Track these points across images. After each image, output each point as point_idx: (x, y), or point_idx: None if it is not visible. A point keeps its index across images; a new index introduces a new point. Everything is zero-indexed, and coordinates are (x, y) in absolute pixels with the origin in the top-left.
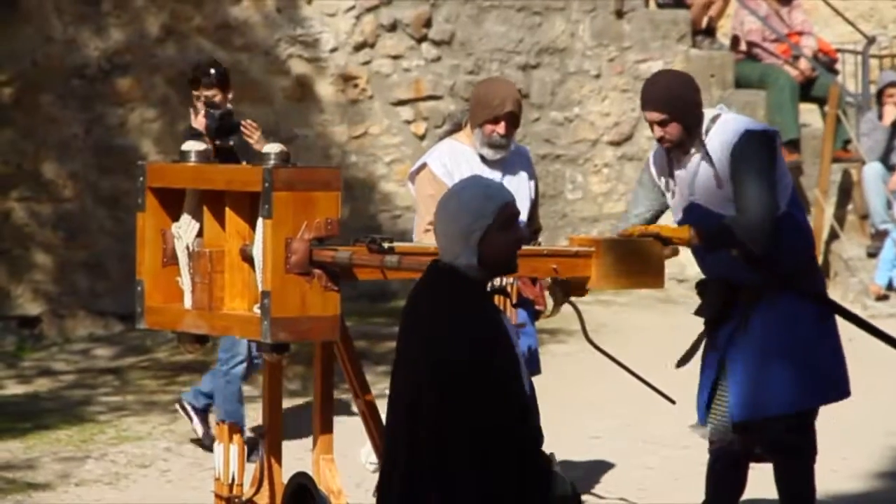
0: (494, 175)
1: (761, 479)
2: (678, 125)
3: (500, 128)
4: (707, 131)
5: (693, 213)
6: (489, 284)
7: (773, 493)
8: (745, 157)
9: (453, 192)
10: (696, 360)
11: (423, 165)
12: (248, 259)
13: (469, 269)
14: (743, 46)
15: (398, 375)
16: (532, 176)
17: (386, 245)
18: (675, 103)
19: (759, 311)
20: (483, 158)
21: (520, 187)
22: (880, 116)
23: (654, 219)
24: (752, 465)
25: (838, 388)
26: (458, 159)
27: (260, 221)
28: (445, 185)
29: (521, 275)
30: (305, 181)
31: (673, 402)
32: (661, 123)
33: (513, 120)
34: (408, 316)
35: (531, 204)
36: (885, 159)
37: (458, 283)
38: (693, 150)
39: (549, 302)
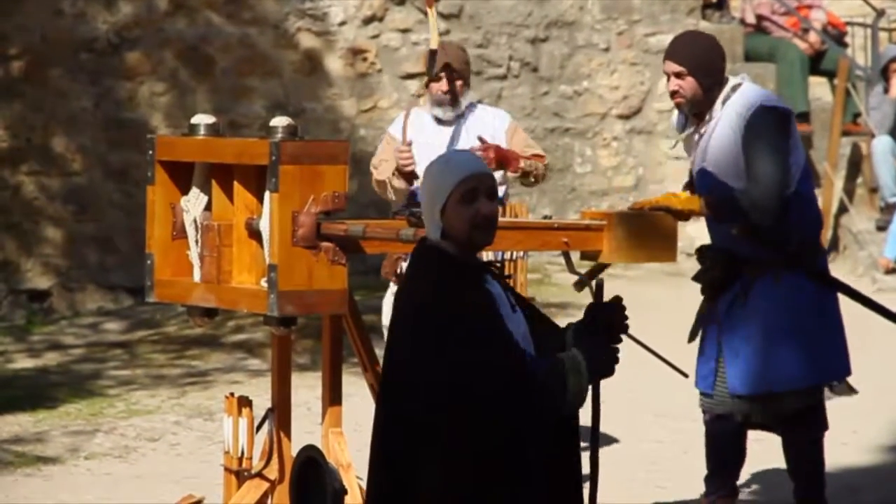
0: (443, 133)
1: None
2: (694, 81)
3: (442, 84)
4: (726, 100)
5: (703, 180)
6: (477, 258)
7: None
8: (758, 131)
9: (426, 166)
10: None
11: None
12: (253, 232)
13: (441, 244)
14: (751, 19)
15: (389, 351)
16: (501, 127)
17: None
18: (694, 58)
19: (762, 285)
20: (437, 119)
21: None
22: (887, 90)
23: None
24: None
25: (839, 368)
26: (412, 119)
27: (267, 195)
28: (394, 138)
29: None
30: (312, 155)
31: (686, 375)
32: (678, 75)
33: (452, 73)
34: (398, 290)
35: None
36: (893, 132)
37: (435, 258)
38: (708, 118)
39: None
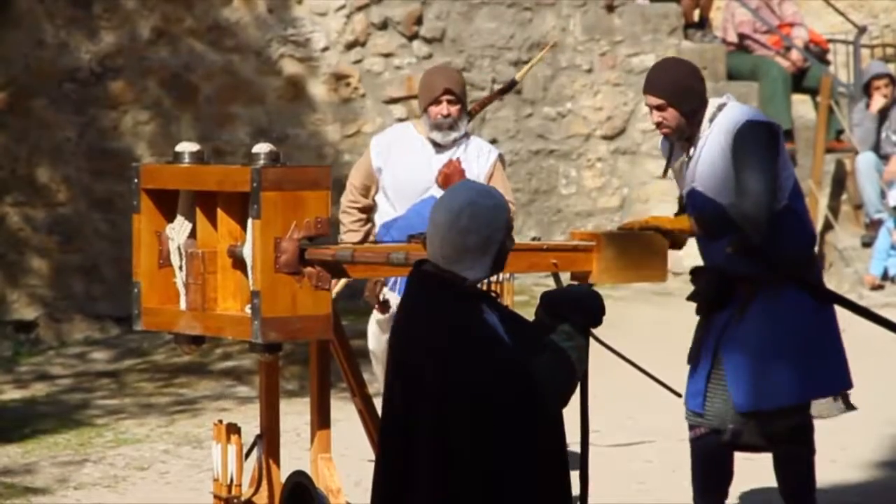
0: (438, 157)
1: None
2: (675, 112)
3: (442, 108)
4: (712, 119)
5: (693, 201)
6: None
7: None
8: (745, 145)
9: (462, 205)
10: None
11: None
12: (236, 259)
13: (443, 273)
14: (733, 38)
15: (394, 383)
16: (484, 164)
17: None
18: (674, 89)
19: (759, 301)
20: (434, 143)
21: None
22: (869, 106)
23: None
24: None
25: (841, 380)
26: (401, 138)
27: (250, 222)
28: (368, 159)
29: None
30: (294, 180)
31: (679, 395)
32: (659, 108)
33: (453, 98)
34: (402, 321)
35: None
36: (876, 148)
37: (451, 289)
38: (695, 140)
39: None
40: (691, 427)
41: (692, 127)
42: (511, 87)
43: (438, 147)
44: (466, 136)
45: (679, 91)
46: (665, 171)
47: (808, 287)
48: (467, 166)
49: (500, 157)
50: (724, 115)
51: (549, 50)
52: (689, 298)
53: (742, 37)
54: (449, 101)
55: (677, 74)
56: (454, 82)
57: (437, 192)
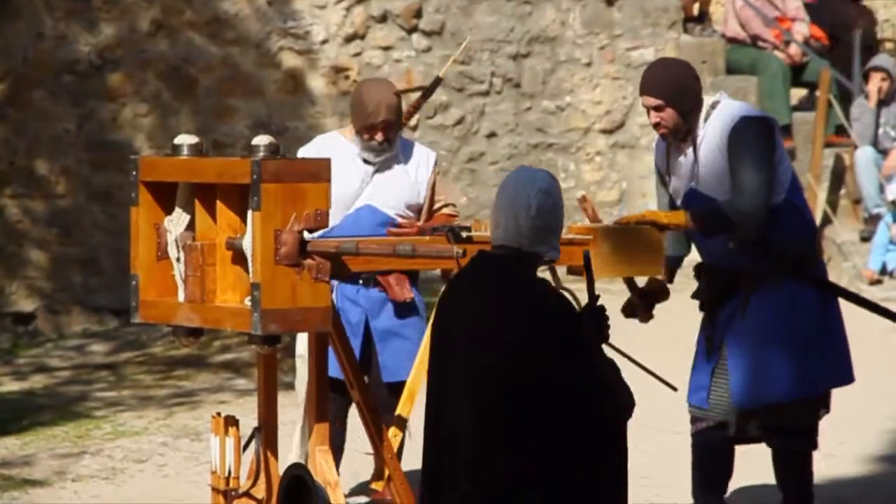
0: (367, 168)
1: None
2: (673, 111)
3: (378, 136)
4: (706, 118)
5: (692, 200)
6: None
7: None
8: (741, 141)
9: (549, 186)
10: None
11: None
12: (235, 251)
13: (536, 259)
14: (734, 32)
15: (454, 363)
16: (425, 172)
17: (464, 234)
18: (670, 89)
19: (760, 296)
20: (364, 160)
21: (394, 180)
22: (868, 100)
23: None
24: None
25: (841, 375)
26: (328, 150)
27: (250, 214)
28: None
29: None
30: (294, 172)
31: (675, 388)
32: (657, 109)
33: (389, 127)
34: (468, 306)
35: (425, 200)
36: (875, 143)
37: (531, 272)
38: (690, 139)
39: (409, 294)
40: (693, 421)
41: (688, 126)
42: (436, 85)
43: (369, 163)
44: (401, 144)
45: (678, 90)
46: (665, 174)
47: (809, 280)
48: (408, 174)
49: (436, 161)
50: (719, 112)
51: (466, 45)
52: (694, 296)
53: (755, 38)
54: (384, 129)
55: (675, 74)
56: (392, 111)
57: (370, 201)
